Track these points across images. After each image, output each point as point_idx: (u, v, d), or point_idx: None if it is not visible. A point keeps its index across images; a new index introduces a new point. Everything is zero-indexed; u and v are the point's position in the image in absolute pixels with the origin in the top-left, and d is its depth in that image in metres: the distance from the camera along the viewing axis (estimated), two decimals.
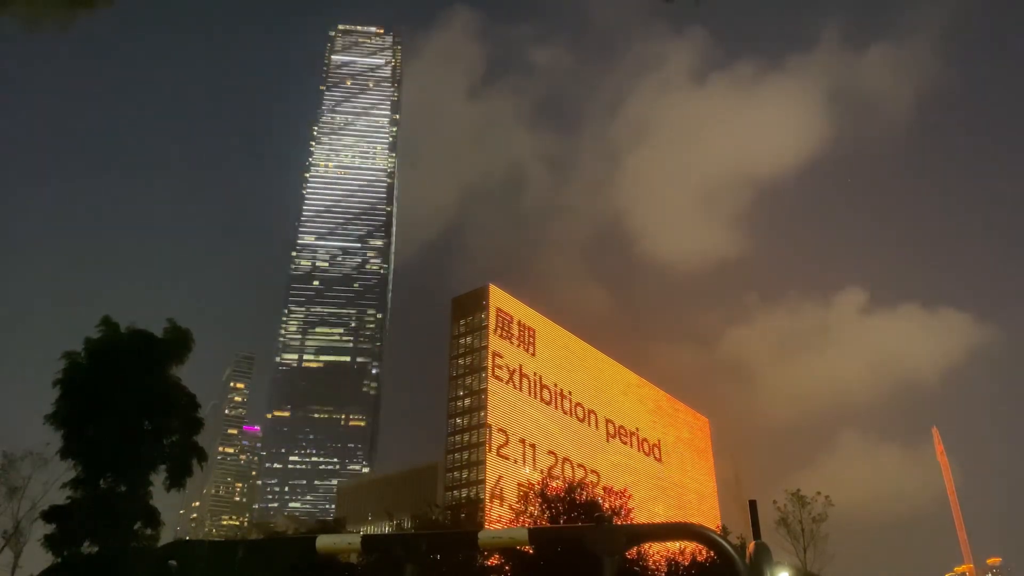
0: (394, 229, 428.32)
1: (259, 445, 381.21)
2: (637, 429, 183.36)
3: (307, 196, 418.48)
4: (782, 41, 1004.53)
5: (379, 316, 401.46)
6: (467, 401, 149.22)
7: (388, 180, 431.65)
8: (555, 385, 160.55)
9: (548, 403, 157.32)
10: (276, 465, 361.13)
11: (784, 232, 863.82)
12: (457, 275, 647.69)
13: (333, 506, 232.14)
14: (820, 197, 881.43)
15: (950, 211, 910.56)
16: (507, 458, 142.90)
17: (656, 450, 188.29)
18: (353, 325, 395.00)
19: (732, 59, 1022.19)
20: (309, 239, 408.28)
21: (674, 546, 65.06)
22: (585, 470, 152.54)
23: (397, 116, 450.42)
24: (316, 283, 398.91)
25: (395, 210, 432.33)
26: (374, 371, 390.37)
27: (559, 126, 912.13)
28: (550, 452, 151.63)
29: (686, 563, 60.33)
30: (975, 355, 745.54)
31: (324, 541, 3.87)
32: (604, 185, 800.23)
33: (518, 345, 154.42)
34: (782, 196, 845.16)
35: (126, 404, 30.61)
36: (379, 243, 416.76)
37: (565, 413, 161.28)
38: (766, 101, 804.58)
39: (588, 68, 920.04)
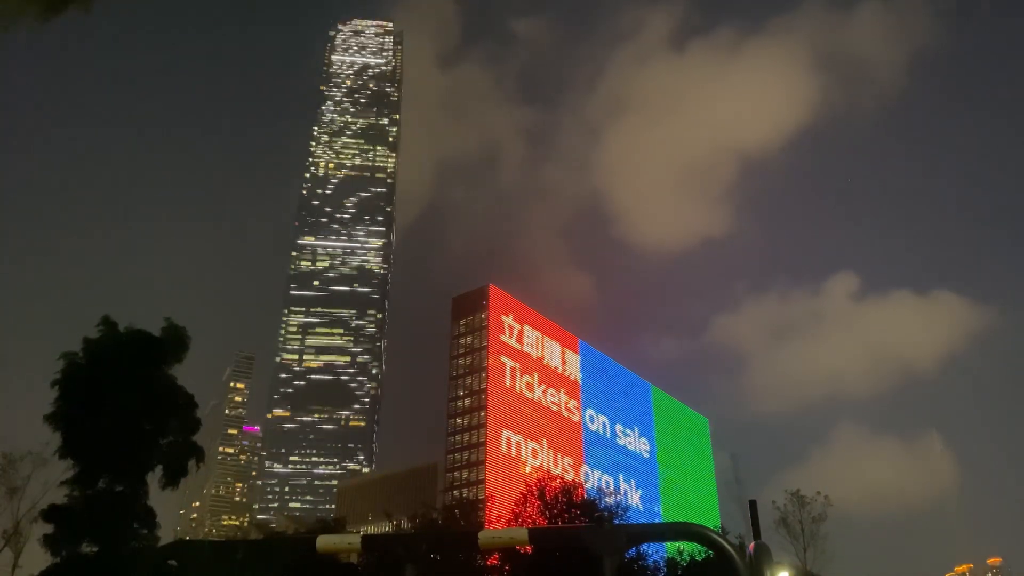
0: (394, 229, 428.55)
1: (259, 445, 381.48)
2: (637, 431, 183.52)
3: (307, 196, 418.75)
4: (764, 1, 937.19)
5: (379, 316, 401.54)
6: (467, 401, 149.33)
7: (388, 180, 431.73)
8: (552, 384, 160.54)
9: (548, 404, 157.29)
10: (276, 465, 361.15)
11: (771, 210, 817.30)
12: (443, 266, 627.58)
13: (333, 506, 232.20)
14: (807, 171, 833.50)
15: (945, 186, 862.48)
16: (509, 459, 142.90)
17: (657, 451, 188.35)
18: (353, 325, 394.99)
19: (712, 23, 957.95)
20: (309, 239, 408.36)
21: (674, 546, 65.11)
22: (585, 471, 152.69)
23: (397, 116, 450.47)
24: (316, 283, 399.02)
25: (395, 210, 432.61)
26: (374, 371, 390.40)
27: (537, 98, 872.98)
28: (550, 451, 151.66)
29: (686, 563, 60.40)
30: (975, 340, 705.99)
31: (324, 541, 3.90)
32: (584, 162, 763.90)
33: (520, 346, 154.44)
34: (768, 171, 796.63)
35: (124, 404, 30.61)
36: (379, 243, 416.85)
37: (566, 413, 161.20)
38: (749, 68, 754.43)
39: (566, 36, 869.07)
